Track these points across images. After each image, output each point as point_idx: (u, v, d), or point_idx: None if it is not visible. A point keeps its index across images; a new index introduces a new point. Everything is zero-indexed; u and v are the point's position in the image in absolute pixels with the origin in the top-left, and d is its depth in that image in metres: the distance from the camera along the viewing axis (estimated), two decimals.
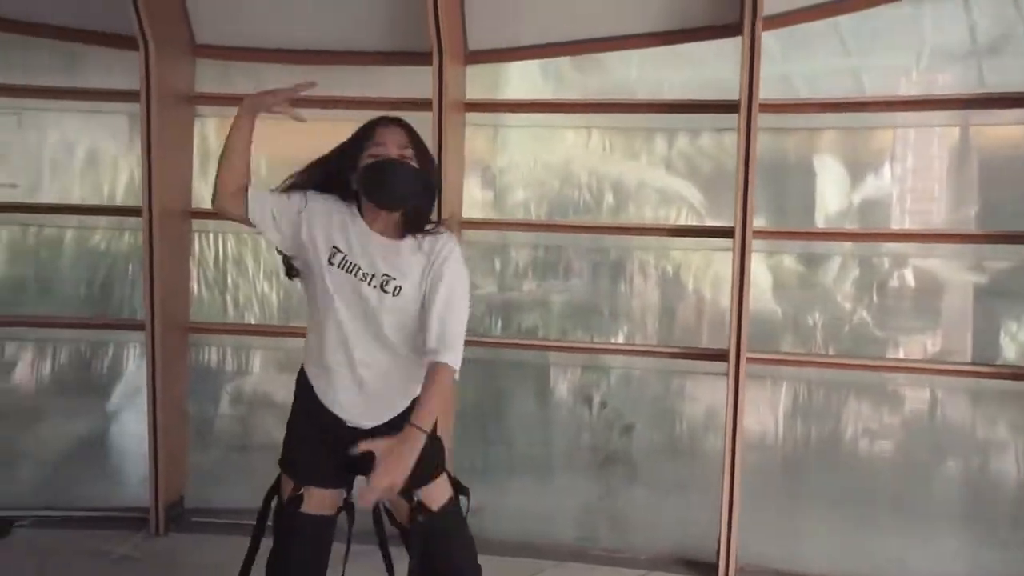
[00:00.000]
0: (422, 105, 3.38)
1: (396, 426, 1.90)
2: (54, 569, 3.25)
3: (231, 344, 3.95)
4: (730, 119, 3.26)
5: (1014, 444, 3.38)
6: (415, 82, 3.47)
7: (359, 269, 1.96)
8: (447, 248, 2.01)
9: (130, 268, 3.86)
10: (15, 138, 3.84)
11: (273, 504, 2.11)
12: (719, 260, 3.53)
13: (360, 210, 2.02)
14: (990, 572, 3.32)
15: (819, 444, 3.60)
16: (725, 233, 3.29)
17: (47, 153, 3.91)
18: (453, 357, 1.91)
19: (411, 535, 2.04)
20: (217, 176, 2.00)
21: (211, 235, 3.89)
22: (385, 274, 1.96)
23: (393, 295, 1.96)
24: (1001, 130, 3.45)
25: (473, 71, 3.64)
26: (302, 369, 2.11)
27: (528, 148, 3.84)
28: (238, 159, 1.99)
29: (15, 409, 3.93)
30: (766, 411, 3.62)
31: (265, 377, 3.99)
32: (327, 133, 3.58)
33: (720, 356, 3.33)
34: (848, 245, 3.54)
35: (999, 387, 3.36)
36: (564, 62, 3.74)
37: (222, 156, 2.01)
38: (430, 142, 3.31)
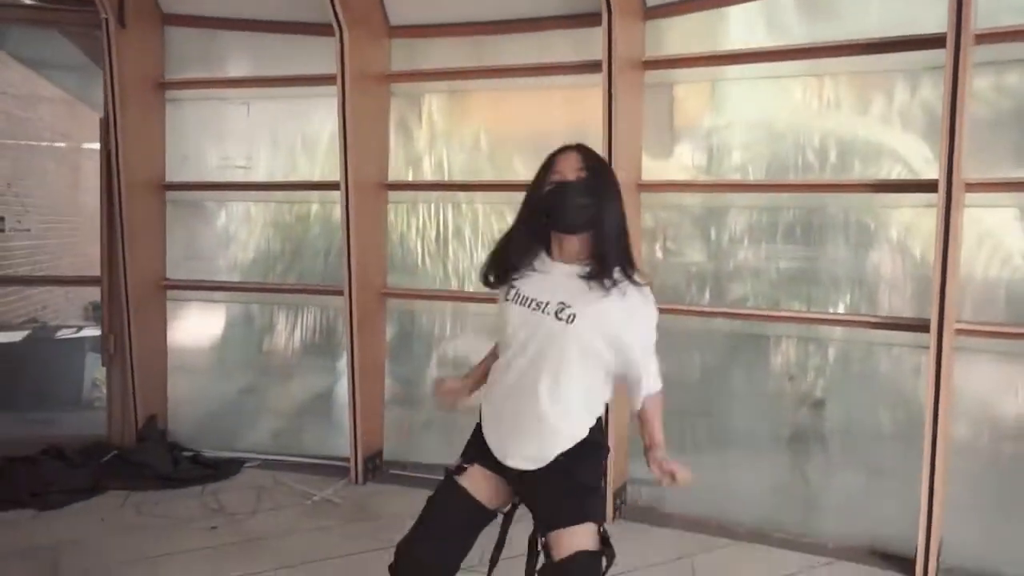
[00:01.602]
0: (595, 67, 3.34)
1: (549, 469, 1.96)
2: (265, 504, 3.69)
3: (439, 310, 4.16)
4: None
5: None
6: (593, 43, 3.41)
7: (533, 299, 1.97)
8: (641, 298, 1.99)
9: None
10: (246, 124, 4.32)
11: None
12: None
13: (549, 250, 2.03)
14: None
15: None
16: (929, 187, 2.89)
17: (272, 135, 4.33)
18: (658, 384, 2.03)
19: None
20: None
21: (433, 206, 4.11)
22: (560, 302, 1.94)
23: (567, 322, 1.92)
24: None
25: (688, 23, 3.52)
26: None
27: (744, 105, 3.61)
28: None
29: (259, 366, 4.44)
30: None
31: (467, 341, 4.17)
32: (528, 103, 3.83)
33: (922, 327, 2.94)
34: None
35: None
36: (790, 13, 3.47)
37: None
38: (601, 103, 3.34)
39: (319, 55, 3.85)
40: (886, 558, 3.15)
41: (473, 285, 4.05)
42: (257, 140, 4.32)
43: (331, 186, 3.87)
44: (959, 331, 2.96)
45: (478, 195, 4.00)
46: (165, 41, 4.25)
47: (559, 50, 3.68)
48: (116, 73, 3.94)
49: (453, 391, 2.19)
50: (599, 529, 1.95)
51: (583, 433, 1.98)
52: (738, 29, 3.56)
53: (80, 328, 6.10)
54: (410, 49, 3.99)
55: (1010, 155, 3.11)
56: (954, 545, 3.06)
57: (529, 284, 1.98)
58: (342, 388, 4.08)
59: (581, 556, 1.90)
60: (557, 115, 3.82)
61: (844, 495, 3.34)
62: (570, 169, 1.97)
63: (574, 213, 1.94)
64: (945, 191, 2.80)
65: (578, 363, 1.94)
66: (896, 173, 3.27)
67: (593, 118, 3.37)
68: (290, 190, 4.23)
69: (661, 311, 3.19)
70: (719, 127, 3.62)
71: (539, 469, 1.97)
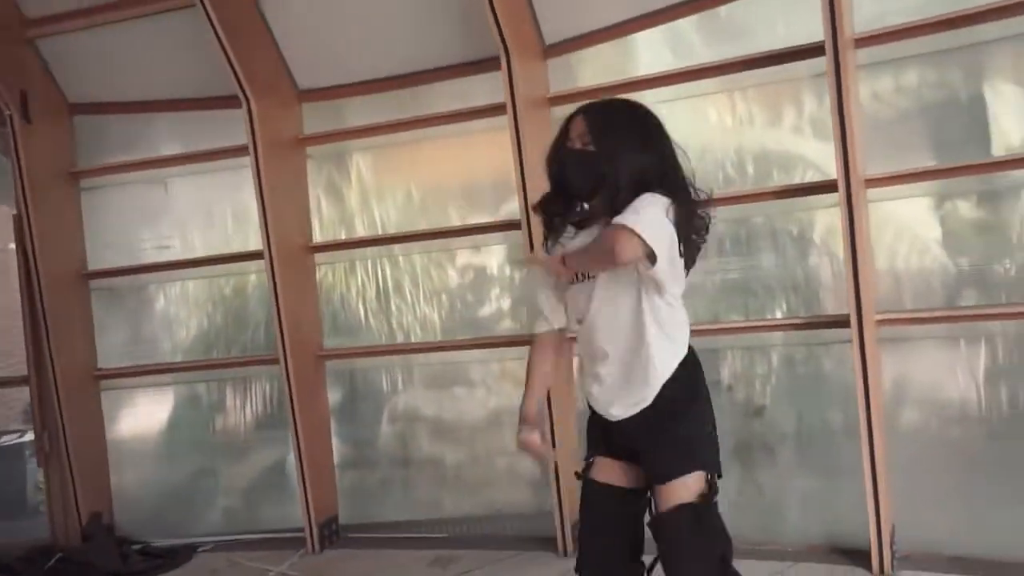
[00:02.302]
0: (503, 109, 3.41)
1: (649, 416, 1.96)
2: None
3: (385, 366, 4.14)
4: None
5: None
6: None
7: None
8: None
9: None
10: (167, 204, 4.30)
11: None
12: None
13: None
14: None
15: (1021, 410, 3.14)
16: (830, 187, 2.98)
17: (201, 211, 4.32)
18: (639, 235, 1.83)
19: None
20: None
21: (369, 263, 4.11)
22: None
23: (590, 276, 1.97)
24: None
25: (597, 56, 3.60)
26: None
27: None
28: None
29: (208, 446, 4.35)
30: (966, 378, 3.19)
31: (416, 394, 4.15)
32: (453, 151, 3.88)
33: (843, 323, 3.00)
34: None
35: None
36: (691, 32, 3.58)
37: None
38: (503, 143, 3.40)
39: (235, 127, 3.85)
40: (845, 553, 3.17)
41: (417, 337, 4.04)
42: (184, 218, 4.30)
43: (255, 256, 3.86)
44: (881, 322, 3.03)
45: (415, 247, 4.01)
46: (76, 130, 4.24)
47: (479, 95, 3.70)
48: (25, 168, 3.92)
49: (536, 445, 2.07)
50: (706, 476, 1.94)
51: (668, 366, 1.96)
52: (646, 56, 3.63)
53: (23, 432, 5.93)
54: (335, 111, 4.02)
55: (925, 148, 3.22)
56: (909, 532, 3.09)
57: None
58: (288, 458, 4.02)
59: (681, 511, 1.92)
60: (482, 159, 3.88)
61: (799, 497, 3.36)
62: (576, 136, 2.00)
63: (571, 180, 1.97)
64: (845, 189, 2.89)
65: (620, 291, 1.95)
66: (810, 177, 3.34)
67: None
68: (213, 264, 4.19)
69: None
70: None
71: (641, 418, 1.96)
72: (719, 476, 1.99)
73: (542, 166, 2.07)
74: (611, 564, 2.04)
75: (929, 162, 3.16)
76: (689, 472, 1.94)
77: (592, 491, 2.06)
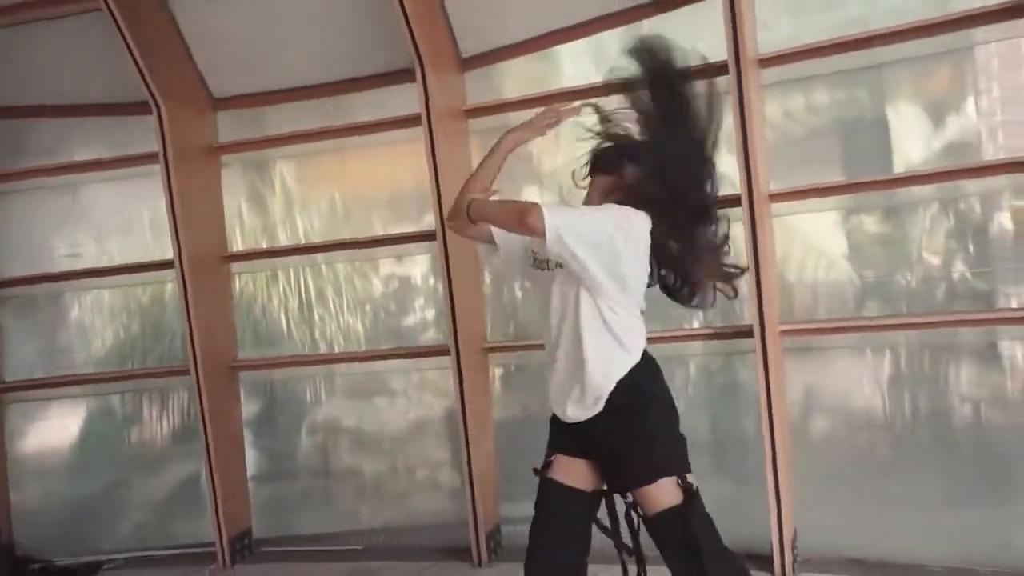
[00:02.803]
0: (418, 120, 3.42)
1: (604, 422, 1.97)
2: None
3: (305, 377, 4.09)
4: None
5: None
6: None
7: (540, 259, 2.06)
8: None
9: None
10: (76, 210, 4.18)
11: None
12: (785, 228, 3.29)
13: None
14: None
15: (923, 416, 3.25)
16: (732, 202, 3.05)
17: (115, 219, 4.23)
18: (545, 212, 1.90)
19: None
20: (461, 193, 2.15)
21: (291, 272, 4.06)
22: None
23: (550, 269, 2.02)
24: None
25: (518, 70, 3.65)
26: None
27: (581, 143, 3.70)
28: (487, 175, 2.15)
29: (121, 459, 4.24)
30: (871, 386, 3.30)
31: (337, 405, 4.11)
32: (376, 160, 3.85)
33: (747, 333, 3.08)
34: (930, 191, 3.17)
35: None
36: (615, 50, 3.60)
37: (473, 177, 2.17)
38: (424, 154, 3.40)
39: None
40: (750, 557, 3.22)
41: (340, 347, 4.00)
42: (100, 225, 4.20)
43: (170, 264, 3.78)
44: (785, 332, 3.11)
45: (339, 256, 3.99)
46: None
47: (400, 105, 3.69)
48: None
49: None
50: (677, 480, 1.95)
51: (608, 369, 1.98)
52: (570, 68, 3.67)
53: None
54: (256, 119, 3.98)
55: (834, 164, 3.33)
56: (812, 536, 3.18)
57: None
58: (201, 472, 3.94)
59: (666, 515, 1.95)
60: (405, 169, 3.87)
61: (708, 503, 3.40)
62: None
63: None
64: (748, 203, 2.97)
65: (568, 288, 2.00)
66: (723, 191, 3.42)
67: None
68: (129, 272, 4.09)
69: (525, 348, 3.17)
70: (562, 166, 3.70)
71: (597, 423, 1.98)
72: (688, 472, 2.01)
73: None
74: (560, 564, 2.06)
75: (838, 177, 3.26)
76: (658, 479, 1.96)
77: (548, 490, 2.08)
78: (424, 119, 3.37)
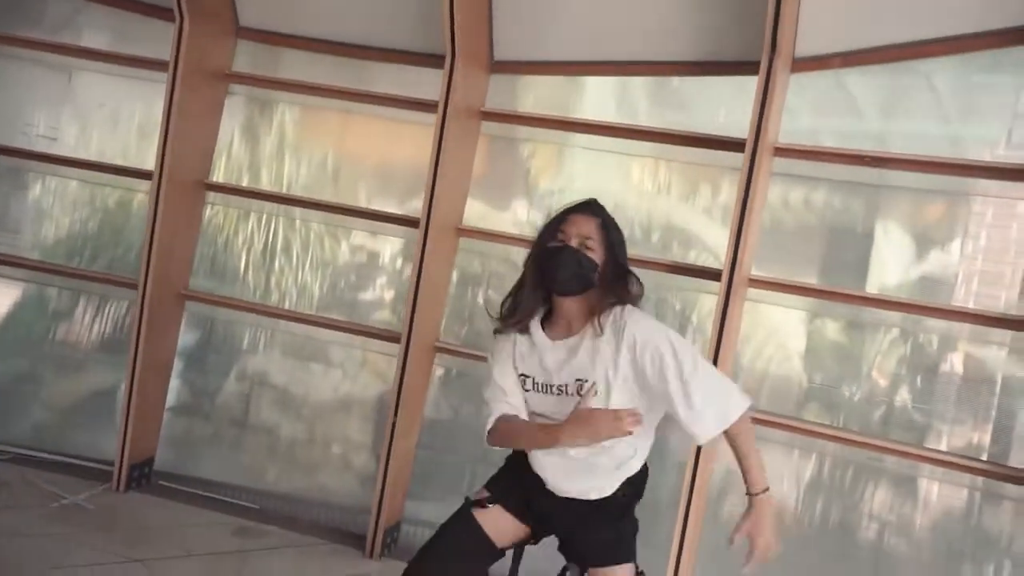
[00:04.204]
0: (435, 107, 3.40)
1: (603, 507, 1.98)
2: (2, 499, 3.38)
3: (249, 323, 4.03)
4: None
5: None
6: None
7: (551, 385, 1.98)
8: (631, 322, 1.92)
9: None
10: (65, 94, 4.06)
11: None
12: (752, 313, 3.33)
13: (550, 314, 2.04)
14: None
15: (832, 525, 3.32)
16: (714, 275, 3.09)
17: (106, 114, 4.10)
18: (738, 409, 1.86)
19: None
20: (499, 440, 2.04)
21: (264, 216, 3.99)
22: (577, 379, 1.94)
23: (594, 396, 1.90)
24: None
25: (543, 87, 3.66)
26: None
27: (585, 174, 3.73)
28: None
29: (40, 353, 4.12)
30: (790, 484, 3.37)
31: (271, 359, 4.04)
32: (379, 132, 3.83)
33: None
34: (896, 316, 3.25)
35: None
36: (640, 94, 3.65)
37: (514, 440, 2.05)
38: (429, 142, 3.39)
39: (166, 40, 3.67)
40: None
41: (292, 303, 3.95)
42: (86, 115, 4.07)
43: (147, 175, 3.69)
44: None
45: (315, 214, 3.93)
46: None
47: (419, 87, 3.66)
48: None
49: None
50: (637, 570, 2.01)
51: (634, 465, 2.00)
52: (592, 100, 3.70)
53: None
54: (272, 56, 3.90)
55: (813, 264, 3.39)
56: None
57: (535, 366, 2.01)
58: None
59: None
60: (404, 149, 3.83)
61: None
62: (575, 233, 1.99)
63: (560, 278, 1.96)
64: (727, 282, 3.01)
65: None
66: (703, 261, 3.47)
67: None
68: (104, 171, 3.97)
69: (472, 357, 3.22)
70: (558, 190, 3.73)
71: (590, 503, 1.99)
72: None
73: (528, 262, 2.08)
74: None
75: (812, 278, 3.33)
76: (631, 560, 2.00)
77: (466, 524, 2.03)
78: (440, 108, 3.35)
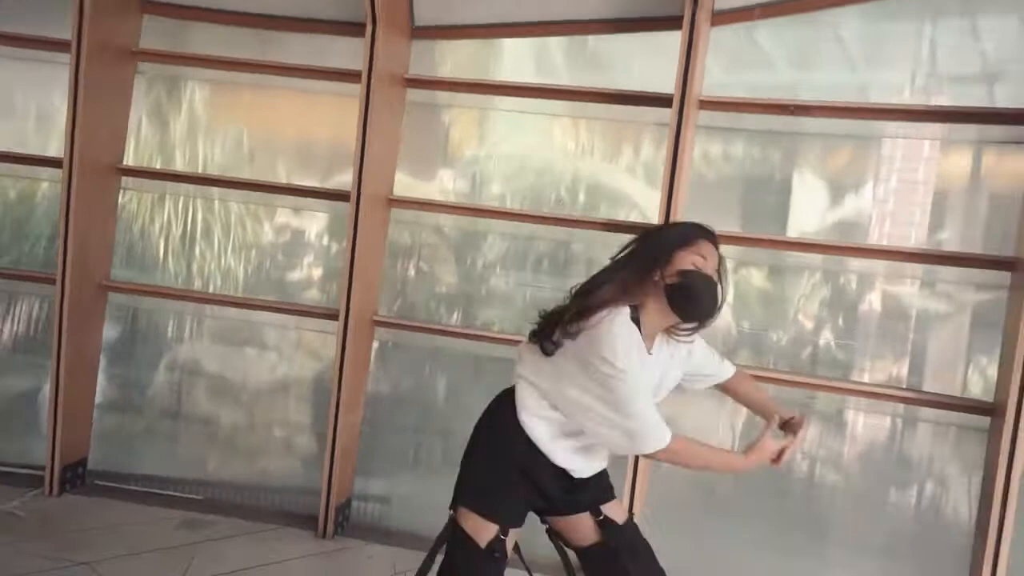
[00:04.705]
0: (356, 77, 3.33)
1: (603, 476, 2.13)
2: None
3: (174, 311, 3.89)
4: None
5: (967, 481, 3.22)
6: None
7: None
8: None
9: None
10: None
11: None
12: None
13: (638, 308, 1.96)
14: None
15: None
16: None
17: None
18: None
19: (593, 556, 2.09)
20: (678, 458, 1.96)
21: (181, 200, 3.84)
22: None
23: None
24: (994, 155, 3.26)
25: (460, 51, 3.60)
26: (516, 421, 2.01)
27: (508, 138, 3.73)
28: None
29: None
30: (725, 429, 3.50)
31: (201, 347, 3.92)
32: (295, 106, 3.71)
33: None
34: (817, 260, 3.38)
35: (959, 419, 3.19)
36: (558, 55, 3.64)
37: (702, 460, 2.00)
38: (351, 113, 3.31)
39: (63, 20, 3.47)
40: None
41: (217, 287, 3.84)
42: None
43: (53, 163, 3.50)
44: None
45: (234, 194, 3.82)
46: None
47: (333, 56, 3.60)
48: None
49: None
50: None
51: None
52: (510, 64, 3.69)
53: None
54: (177, 30, 3.75)
55: (734, 214, 3.49)
56: None
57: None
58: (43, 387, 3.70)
59: (631, 518, 2.16)
60: (323, 122, 3.76)
61: None
62: (711, 264, 1.99)
63: (711, 312, 2.00)
64: None
65: None
66: (633, 217, 3.52)
67: (355, 129, 3.35)
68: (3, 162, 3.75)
69: (409, 329, 3.16)
70: (482, 156, 3.73)
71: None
72: None
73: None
74: None
75: (735, 228, 3.42)
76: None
77: (503, 565, 2.02)
78: (365, 77, 3.28)
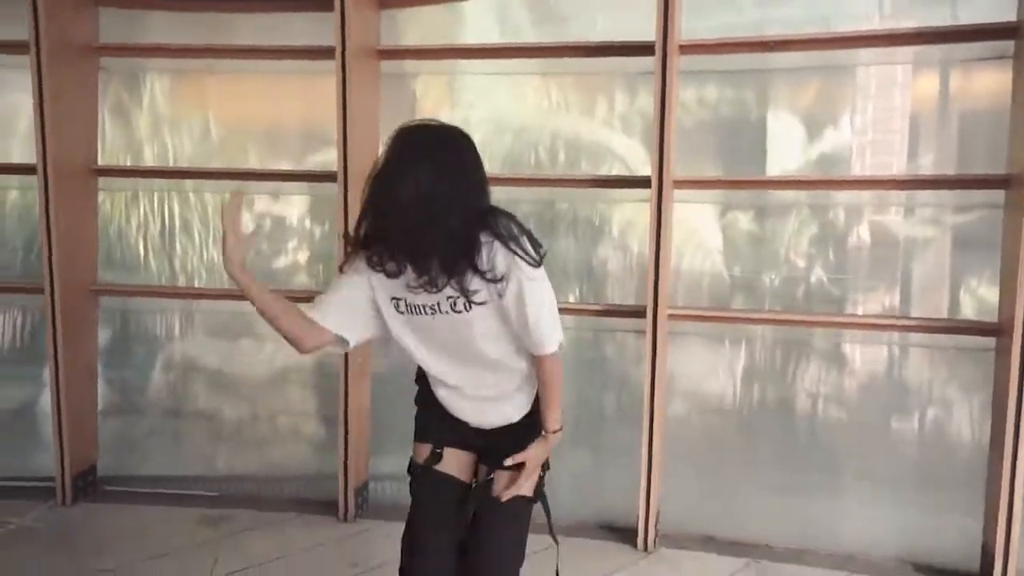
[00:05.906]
0: (330, 53, 3.25)
1: (514, 431, 1.99)
2: None
3: (164, 309, 3.83)
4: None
5: (968, 403, 3.23)
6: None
7: (423, 306, 1.87)
8: (497, 257, 1.83)
9: None
10: None
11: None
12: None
13: None
14: (935, 538, 3.21)
15: (771, 407, 3.47)
16: (644, 183, 3.15)
17: None
18: (550, 344, 1.90)
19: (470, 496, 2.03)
20: (280, 334, 1.94)
21: (155, 196, 3.76)
22: (449, 296, 1.85)
23: (467, 311, 1.86)
24: (964, 79, 3.24)
25: (423, 19, 3.53)
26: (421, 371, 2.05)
27: (480, 101, 3.67)
28: (278, 321, 1.93)
29: None
30: (725, 374, 3.50)
31: (196, 343, 3.87)
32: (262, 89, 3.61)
33: (639, 313, 3.19)
34: (802, 197, 3.36)
35: (955, 343, 3.20)
36: (522, 14, 3.58)
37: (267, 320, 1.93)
38: (323, 91, 3.22)
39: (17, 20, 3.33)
40: (613, 530, 3.39)
41: (202, 281, 3.77)
42: None
43: (22, 170, 3.40)
44: (671, 316, 3.25)
45: (209, 185, 3.74)
46: None
47: (297, 35, 3.50)
48: None
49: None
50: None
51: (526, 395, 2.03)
52: (473, 26, 3.62)
53: None
54: (132, 21, 3.62)
55: (713, 159, 3.46)
56: (669, 513, 3.35)
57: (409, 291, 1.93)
58: (48, 399, 3.58)
59: (515, 500, 1.98)
60: (292, 104, 3.68)
61: (571, 477, 3.48)
62: None
63: None
64: (657, 187, 3.06)
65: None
66: (616, 171, 3.50)
67: (328, 106, 3.28)
68: None
69: None
70: (455, 121, 3.65)
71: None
72: None
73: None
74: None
75: (715, 172, 3.41)
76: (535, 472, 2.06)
77: (437, 482, 2.03)
78: (338, 53, 3.20)
